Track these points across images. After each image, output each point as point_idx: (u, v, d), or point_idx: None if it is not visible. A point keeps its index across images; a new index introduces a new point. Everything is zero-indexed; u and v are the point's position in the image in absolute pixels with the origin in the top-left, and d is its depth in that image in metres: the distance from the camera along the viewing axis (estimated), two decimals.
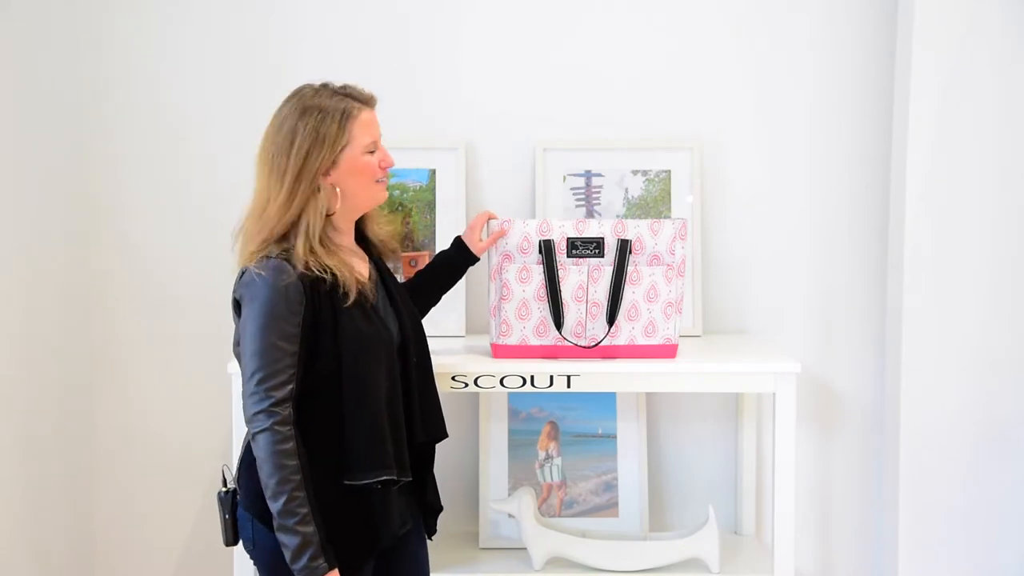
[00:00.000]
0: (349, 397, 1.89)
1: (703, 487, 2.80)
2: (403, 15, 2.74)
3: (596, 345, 2.31)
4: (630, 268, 2.29)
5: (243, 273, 1.91)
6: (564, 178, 2.72)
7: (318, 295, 1.88)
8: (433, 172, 2.71)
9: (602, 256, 2.30)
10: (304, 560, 1.82)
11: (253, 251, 1.92)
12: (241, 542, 2.00)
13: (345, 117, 1.95)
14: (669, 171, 2.73)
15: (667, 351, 2.35)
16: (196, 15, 2.74)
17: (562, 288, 2.29)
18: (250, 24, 2.74)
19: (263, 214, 1.93)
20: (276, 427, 1.81)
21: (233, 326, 1.97)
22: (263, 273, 1.86)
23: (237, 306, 1.93)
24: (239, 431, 2.29)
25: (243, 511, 1.96)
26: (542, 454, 2.69)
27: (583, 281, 2.30)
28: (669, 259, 2.31)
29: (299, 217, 1.92)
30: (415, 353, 2.03)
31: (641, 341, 2.33)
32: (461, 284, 2.66)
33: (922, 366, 2.62)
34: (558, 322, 2.28)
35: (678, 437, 2.80)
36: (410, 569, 2.10)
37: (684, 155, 2.72)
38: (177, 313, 2.78)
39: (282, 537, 1.82)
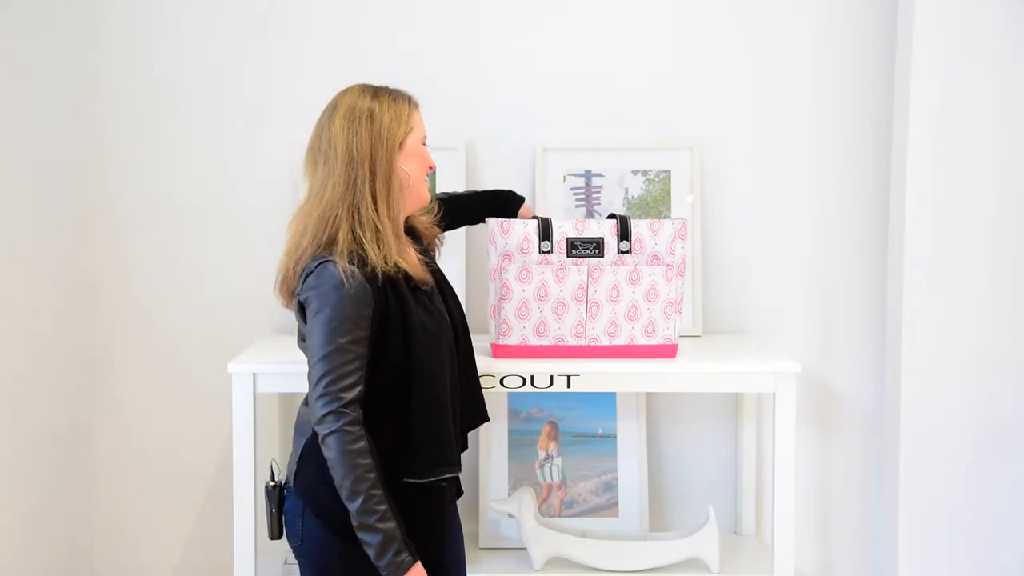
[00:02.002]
0: (418, 395, 1.90)
1: (703, 487, 2.80)
2: (402, 15, 2.74)
3: (596, 345, 2.31)
4: (630, 268, 2.29)
5: (308, 275, 1.89)
6: (564, 178, 2.72)
7: (386, 293, 1.89)
8: (433, 172, 2.70)
9: (602, 256, 2.29)
10: (389, 556, 1.83)
11: (313, 249, 1.92)
12: (287, 537, 2.00)
13: (411, 104, 1.98)
14: (669, 171, 2.73)
15: (667, 351, 2.34)
16: (197, 15, 2.74)
17: (562, 288, 2.29)
18: (249, 24, 2.74)
19: (329, 208, 1.91)
20: (346, 427, 1.82)
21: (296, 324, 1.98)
22: (331, 276, 1.86)
23: (301, 308, 1.92)
24: (239, 432, 2.30)
25: (295, 505, 1.96)
26: (542, 454, 2.69)
27: (583, 281, 2.29)
28: (669, 259, 2.30)
29: (385, 203, 1.92)
30: (463, 340, 2.05)
31: (641, 341, 2.33)
32: (461, 284, 2.67)
33: (922, 366, 2.62)
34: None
35: (678, 437, 2.80)
36: (452, 554, 2.10)
37: (684, 155, 2.72)
38: (177, 315, 2.78)
39: (364, 536, 1.83)
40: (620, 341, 2.33)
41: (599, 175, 2.73)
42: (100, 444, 2.80)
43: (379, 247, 1.89)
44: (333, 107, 1.96)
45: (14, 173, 2.47)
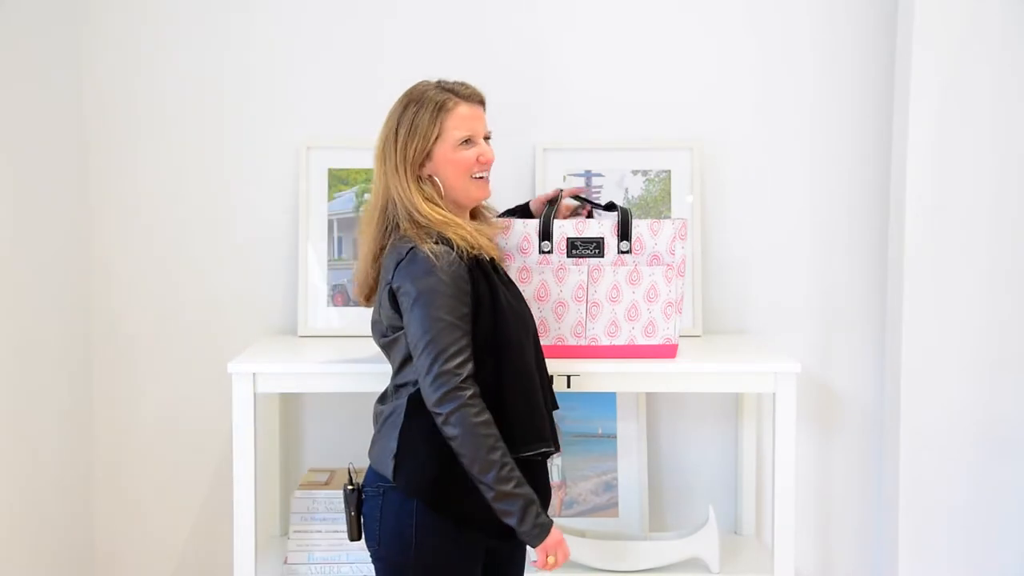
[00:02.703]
0: (508, 370, 1.93)
1: (703, 487, 2.80)
2: (401, 15, 2.74)
3: (596, 345, 2.32)
4: (630, 268, 2.29)
5: (399, 262, 1.92)
6: (564, 178, 2.72)
7: (474, 271, 1.93)
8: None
9: (602, 256, 2.29)
10: (531, 518, 1.87)
11: (384, 241, 1.99)
12: (366, 540, 2.01)
13: (438, 109, 2.00)
14: (669, 171, 2.73)
15: (667, 351, 2.34)
16: (196, 14, 2.74)
17: (562, 288, 2.29)
18: (249, 23, 2.74)
19: (384, 204, 2.00)
20: (469, 402, 1.85)
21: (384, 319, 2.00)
22: (423, 259, 1.89)
23: (392, 297, 1.94)
24: (239, 432, 2.29)
25: (399, 501, 1.95)
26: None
27: (583, 281, 2.29)
28: (669, 259, 2.30)
29: (415, 207, 1.96)
30: (533, 329, 2.07)
31: (641, 341, 2.33)
32: None
33: (922, 366, 2.62)
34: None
35: (678, 437, 2.80)
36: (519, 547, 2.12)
37: (684, 155, 2.72)
38: (177, 315, 2.78)
39: (503, 505, 1.86)
40: (620, 341, 2.33)
41: (599, 175, 2.73)
42: (100, 444, 2.80)
43: (455, 228, 1.95)
44: (392, 108, 2.04)
45: (14, 173, 2.47)
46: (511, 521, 1.87)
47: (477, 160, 2.02)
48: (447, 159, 2.00)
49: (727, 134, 2.76)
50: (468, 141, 2.01)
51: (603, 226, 2.30)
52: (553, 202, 2.30)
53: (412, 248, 1.91)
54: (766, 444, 2.72)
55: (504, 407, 1.92)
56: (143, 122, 2.75)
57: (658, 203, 2.72)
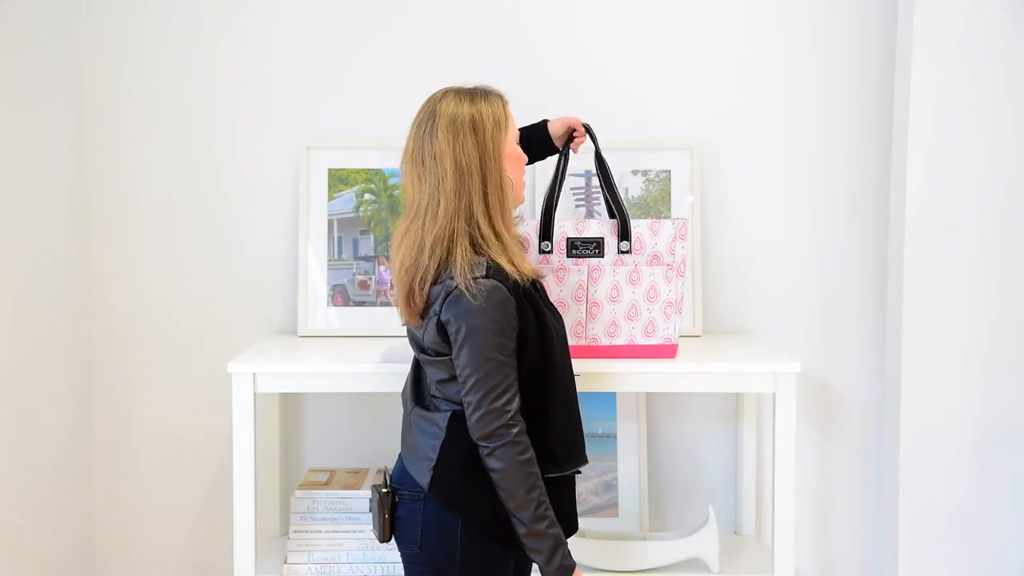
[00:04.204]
0: (554, 392, 1.94)
1: (703, 487, 2.80)
2: (402, 15, 2.74)
3: (596, 345, 2.32)
4: (630, 268, 2.29)
5: (448, 296, 1.87)
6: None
7: (522, 301, 1.91)
8: None
9: (602, 256, 2.29)
10: (558, 560, 1.88)
11: (435, 266, 1.90)
12: (401, 543, 2.01)
13: (503, 104, 1.97)
14: (669, 171, 2.73)
15: (667, 351, 2.35)
16: (196, 13, 2.74)
17: (561, 289, 2.30)
18: (249, 23, 2.74)
19: (449, 221, 1.89)
20: (516, 439, 1.86)
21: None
22: (473, 296, 1.85)
23: (440, 327, 1.90)
24: (239, 432, 2.30)
25: (432, 513, 1.96)
26: None
27: (583, 281, 2.29)
28: (669, 259, 2.30)
29: (501, 211, 1.92)
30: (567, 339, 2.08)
31: (641, 341, 2.33)
32: None
33: (922, 366, 2.62)
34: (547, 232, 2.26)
35: (678, 437, 2.80)
36: None
37: (684, 155, 2.72)
38: (177, 315, 2.78)
39: (534, 543, 1.88)
40: (620, 341, 2.33)
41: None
42: (100, 444, 2.80)
43: (510, 258, 1.90)
44: (430, 116, 1.93)
45: (13, 174, 2.47)
46: (538, 559, 1.88)
47: (524, 161, 2.03)
48: (514, 154, 1.98)
49: (727, 134, 2.76)
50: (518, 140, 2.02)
51: (603, 226, 2.31)
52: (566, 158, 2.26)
53: (469, 281, 1.86)
54: (766, 444, 2.72)
55: (549, 429, 1.94)
56: (142, 122, 2.75)
57: (658, 203, 2.72)
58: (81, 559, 2.77)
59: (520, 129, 2.20)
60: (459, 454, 1.91)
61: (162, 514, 2.81)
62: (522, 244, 2.05)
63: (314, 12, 2.74)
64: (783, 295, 2.79)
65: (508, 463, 1.86)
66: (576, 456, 2.00)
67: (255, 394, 2.31)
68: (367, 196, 2.69)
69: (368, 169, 2.69)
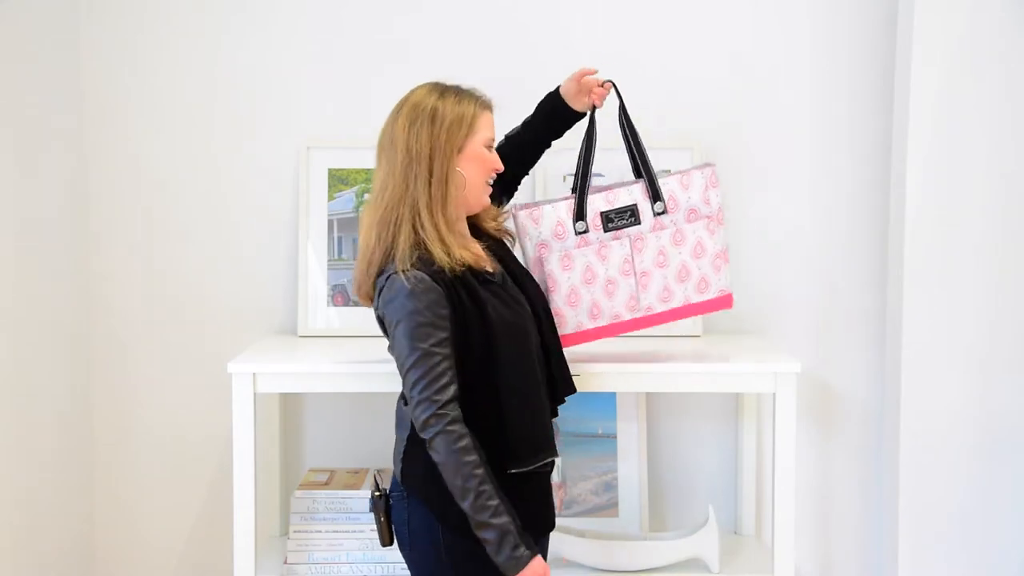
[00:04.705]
0: (505, 385, 1.92)
1: (703, 487, 2.80)
2: (401, 16, 2.74)
3: (653, 314, 2.25)
4: (671, 229, 2.22)
5: (381, 289, 1.92)
6: (564, 178, 2.72)
7: (458, 291, 1.90)
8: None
9: (639, 223, 2.22)
10: (506, 551, 1.85)
11: (381, 252, 1.93)
12: (398, 546, 2.02)
13: (478, 105, 1.99)
14: (669, 171, 2.71)
15: (723, 303, 2.29)
16: (197, 15, 2.74)
17: (607, 267, 2.20)
18: (248, 23, 2.74)
19: (398, 202, 1.93)
20: (448, 428, 1.85)
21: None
22: (401, 287, 1.87)
23: (381, 322, 1.95)
24: (239, 432, 2.29)
25: (402, 509, 1.98)
26: None
27: (627, 254, 2.21)
28: (706, 210, 2.24)
29: (443, 200, 1.93)
30: (546, 322, 2.05)
31: (696, 299, 2.27)
32: None
33: (922, 366, 2.62)
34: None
35: (678, 437, 2.80)
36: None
37: (684, 155, 2.72)
38: (177, 315, 2.78)
39: (481, 534, 1.85)
40: (676, 303, 2.25)
41: (599, 175, 2.71)
42: (100, 444, 2.80)
43: (441, 245, 1.91)
44: (401, 104, 1.99)
45: (13, 174, 2.47)
46: (489, 550, 1.86)
47: (493, 167, 2.03)
48: (478, 155, 1.98)
49: (727, 134, 2.75)
50: (489, 147, 2.02)
51: (633, 192, 2.24)
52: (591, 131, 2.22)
53: (390, 276, 1.90)
54: (766, 444, 2.72)
55: (504, 424, 1.92)
56: (142, 122, 2.75)
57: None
58: (81, 559, 2.77)
59: (534, 111, 2.28)
60: (423, 447, 1.91)
61: (162, 514, 2.81)
62: (509, 235, 2.12)
63: (314, 12, 2.74)
64: (783, 295, 2.78)
65: (443, 453, 1.84)
66: (540, 451, 1.97)
67: (255, 394, 2.31)
68: (367, 196, 2.69)
69: (368, 169, 2.69)
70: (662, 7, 2.74)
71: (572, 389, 2.12)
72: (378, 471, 2.10)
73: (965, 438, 2.63)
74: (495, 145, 2.07)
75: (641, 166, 2.25)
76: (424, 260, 1.90)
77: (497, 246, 2.10)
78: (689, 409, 2.79)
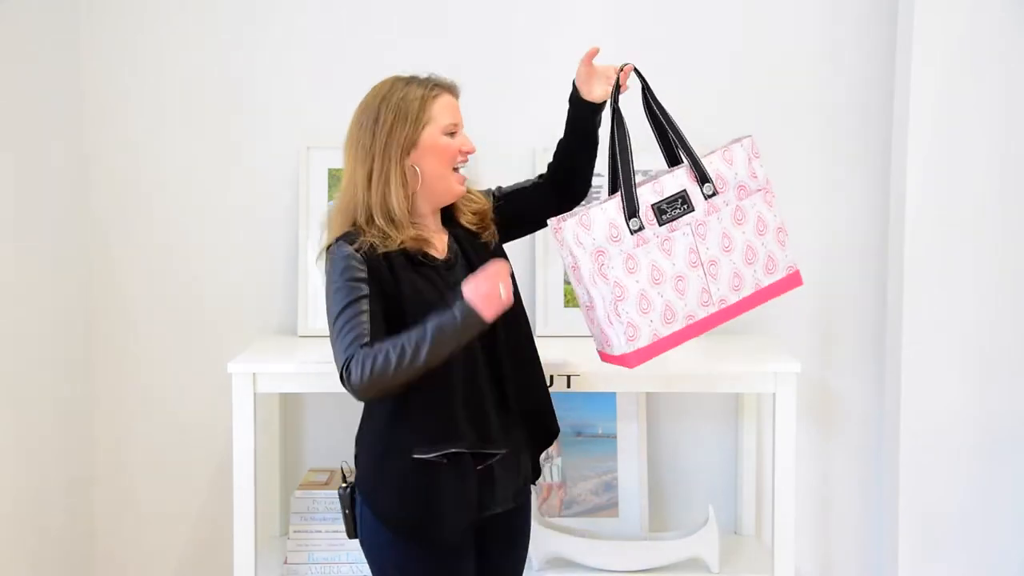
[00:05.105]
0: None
1: (703, 487, 2.80)
2: (401, 16, 2.74)
3: (727, 307, 2.07)
4: (731, 208, 2.05)
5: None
6: None
7: (378, 264, 1.91)
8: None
9: (692, 210, 2.02)
10: (450, 329, 1.82)
11: (335, 236, 1.97)
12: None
13: (427, 96, 1.97)
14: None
15: (793, 280, 2.14)
16: (197, 15, 2.74)
17: (674, 261, 2.01)
18: (250, 24, 2.74)
19: (350, 199, 1.96)
20: (361, 348, 1.83)
21: None
22: (328, 258, 1.93)
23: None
24: (239, 432, 2.30)
25: (359, 505, 1.99)
26: (542, 454, 2.69)
27: (691, 244, 2.02)
28: (755, 184, 2.08)
29: (383, 199, 1.94)
30: (503, 325, 1.96)
31: (766, 282, 2.10)
32: None
33: (922, 366, 2.62)
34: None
35: (678, 437, 2.80)
36: (504, 549, 2.08)
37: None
38: (177, 315, 2.78)
39: (434, 356, 1.82)
40: (747, 291, 2.08)
41: (599, 175, 2.71)
42: (100, 444, 2.80)
43: (380, 233, 1.92)
44: (364, 99, 2.00)
45: (14, 174, 2.47)
46: (449, 337, 1.82)
47: (460, 150, 1.99)
48: (433, 144, 1.96)
49: (727, 134, 2.75)
50: (453, 132, 1.99)
51: (678, 177, 2.05)
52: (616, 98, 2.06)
53: (324, 252, 1.96)
54: (766, 444, 2.72)
55: (407, 404, 1.90)
56: (142, 122, 2.75)
57: None
58: (81, 559, 2.77)
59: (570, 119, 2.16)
60: (368, 434, 1.96)
61: (162, 514, 2.81)
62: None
63: (314, 12, 2.74)
64: (783, 296, 2.78)
65: (364, 368, 1.82)
66: (440, 440, 1.90)
67: (255, 394, 2.31)
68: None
69: None
70: (662, 7, 2.74)
71: (529, 402, 2.05)
72: (345, 463, 2.09)
73: (965, 438, 2.63)
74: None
75: (681, 148, 2.08)
76: (350, 234, 1.93)
77: (469, 239, 2.05)
78: (689, 409, 2.79)
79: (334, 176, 2.71)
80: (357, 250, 1.90)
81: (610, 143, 2.05)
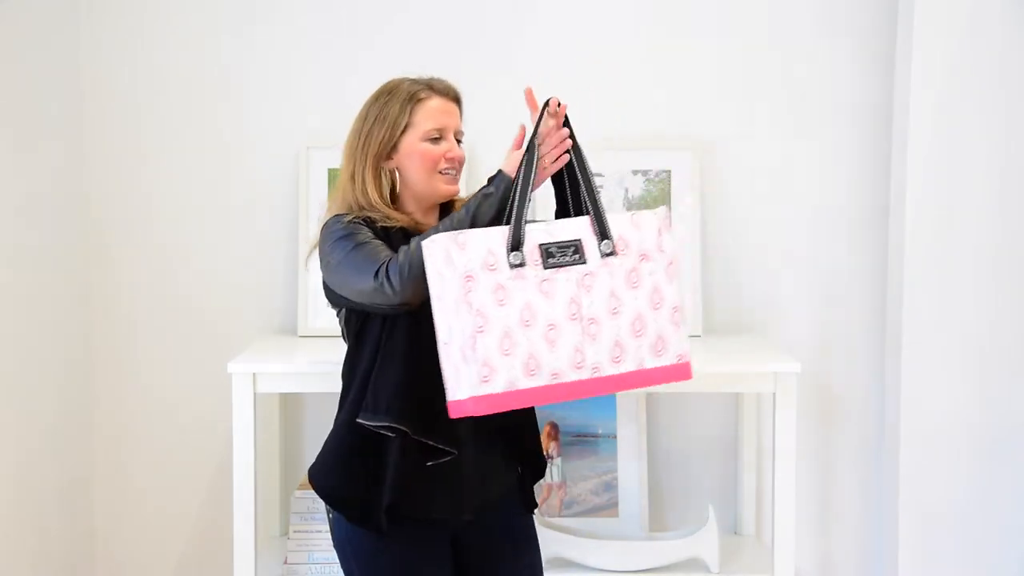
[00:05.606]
0: (386, 341, 1.86)
1: (703, 487, 2.80)
2: (401, 15, 2.74)
3: (600, 377, 1.82)
4: (627, 267, 1.84)
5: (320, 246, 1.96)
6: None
7: (376, 228, 1.91)
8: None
9: (584, 262, 1.81)
10: (492, 200, 1.84)
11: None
12: None
13: (410, 100, 1.96)
14: (669, 171, 2.73)
15: (681, 372, 1.88)
16: (198, 15, 2.74)
17: (551, 305, 1.78)
18: (250, 24, 2.74)
19: (340, 195, 1.98)
20: (391, 263, 1.82)
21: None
22: (327, 226, 1.93)
23: (326, 286, 1.98)
24: (239, 432, 2.29)
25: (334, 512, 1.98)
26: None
27: (574, 293, 1.80)
28: (659, 256, 1.86)
29: (364, 198, 1.94)
30: None
31: (651, 363, 1.85)
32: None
33: (922, 366, 2.62)
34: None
35: (678, 437, 2.80)
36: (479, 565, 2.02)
37: (684, 155, 2.72)
38: (177, 315, 2.78)
39: (483, 209, 1.84)
40: (628, 367, 1.83)
41: (599, 175, 2.72)
42: (100, 444, 2.80)
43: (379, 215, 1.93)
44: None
45: (14, 174, 2.47)
46: (495, 199, 1.84)
47: (444, 156, 1.95)
48: (413, 150, 1.94)
49: (727, 134, 2.76)
50: (438, 137, 1.96)
51: (578, 225, 1.84)
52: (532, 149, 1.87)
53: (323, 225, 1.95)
54: (766, 444, 2.72)
55: (372, 375, 1.86)
56: (142, 122, 2.75)
57: (658, 203, 2.72)
58: (81, 559, 2.77)
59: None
60: (331, 437, 1.96)
61: (162, 514, 2.81)
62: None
63: (314, 12, 2.74)
64: (783, 295, 2.78)
65: (403, 267, 1.79)
66: (385, 412, 1.82)
67: (255, 394, 2.31)
68: None
69: None
70: (663, 8, 2.74)
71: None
72: None
73: (965, 438, 2.63)
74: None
75: (587, 198, 1.87)
76: (346, 214, 1.94)
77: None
78: (689, 409, 2.79)
79: (334, 176, 2.71)
80: (355, 219, 1.91)
81: (520, 168, 1.86)
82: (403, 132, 1.95)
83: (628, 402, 2.70)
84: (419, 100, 1.96)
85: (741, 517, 2.74)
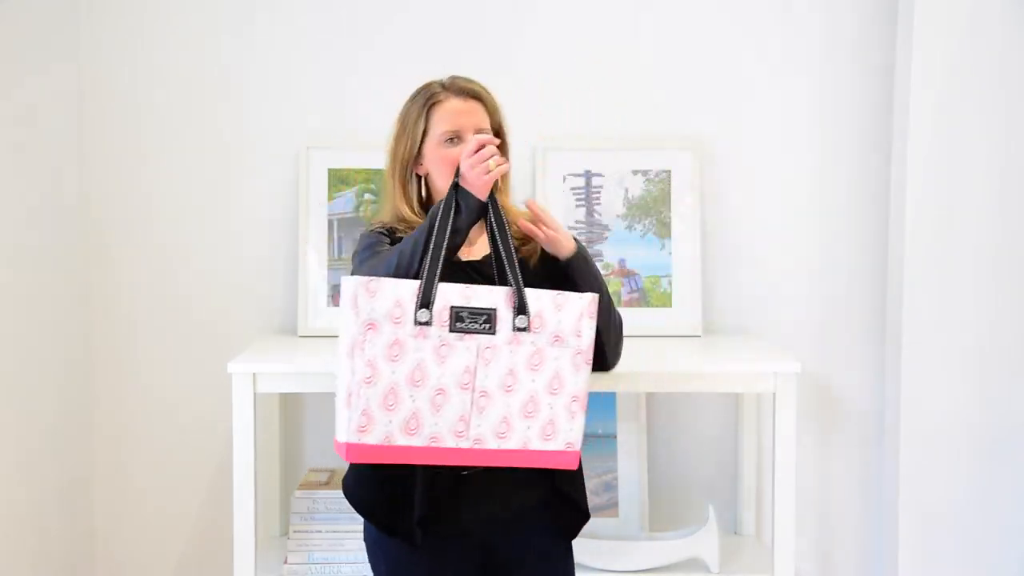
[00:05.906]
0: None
1: (703, 487, 2.80)
2: (401, 15, 2.74)
3: (480, 449, 1.83)
4: (531, 348, 1.83)
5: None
6: (564, 178, 2.72)
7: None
8: None
9: (493, 333, 1.81)
10: (447, 225, 1.81)
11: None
12: None
13: (426, 104, 1.95)
14: (669, 171, 2.73)
15: (567, 460, 1.87)
16: (198, 15, 2.74)
17: (443, 371, 1.79)
18: (250, 24, 2.74)
19: (384, 197, 2.03)
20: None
21: None
22: (363, 236, 1.99)
23: None
24: (239, 432, 2.29)
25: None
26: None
27: (471, 364, 1.80)
28: (575, 342, 1.85)
29: (397, 205, 1.97)
30: None
31: (536, 445, 1.84)
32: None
33: (922, 366, 2.62)
34: None
35: (678, 437, 2.80)
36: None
37: (684, 155, 2.72)
38: (177, 315, 2.78)
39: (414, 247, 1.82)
40: (511, 444, 1.83)
41: (599, 175, 2.73)
42: (100, 444, 2.80)
43: (408, 230, 1.94)
44: None
45: (13, 174, 2.47)
46: (458, 222, 1.82)
47: (457, 161, 1.86)
48: (434, 155, 1.94)
49: (728, 134, 2.75)
50: (454, 138, 1.92)
51: (495, 295, 1.82)
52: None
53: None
54: (766, 444, 2.72)
55: None
56: (143, 122, 2.75)
57: (658, 203, 2.72)
58: (81, 559, 2.77)
59: None
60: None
61: (162, 514, 2.81)
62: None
63: (314, 12, 2.74)
64: (783, 295, 2.78)
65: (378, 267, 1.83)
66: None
67: (255, 394, 2.31)
68: (367, 196, 2.69)
69: (368, 169, 2.69)
70: (663, 7, 2.74)
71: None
72: None
73: (965, 438, 2.63)
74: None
75: (509, 270, 1.84)
76: (382, 229, 1.98)
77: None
78: (689, 409, 2.79)
79: (334, 176, 2.71)
80: (378, 230, 1.96)
81: (437, 217, 1.84)
82: (423, 138, 1.95)
83: (628, 402, 2.70)
84: (435, 103, 1.95)
85: (741, 517, 2.74)
